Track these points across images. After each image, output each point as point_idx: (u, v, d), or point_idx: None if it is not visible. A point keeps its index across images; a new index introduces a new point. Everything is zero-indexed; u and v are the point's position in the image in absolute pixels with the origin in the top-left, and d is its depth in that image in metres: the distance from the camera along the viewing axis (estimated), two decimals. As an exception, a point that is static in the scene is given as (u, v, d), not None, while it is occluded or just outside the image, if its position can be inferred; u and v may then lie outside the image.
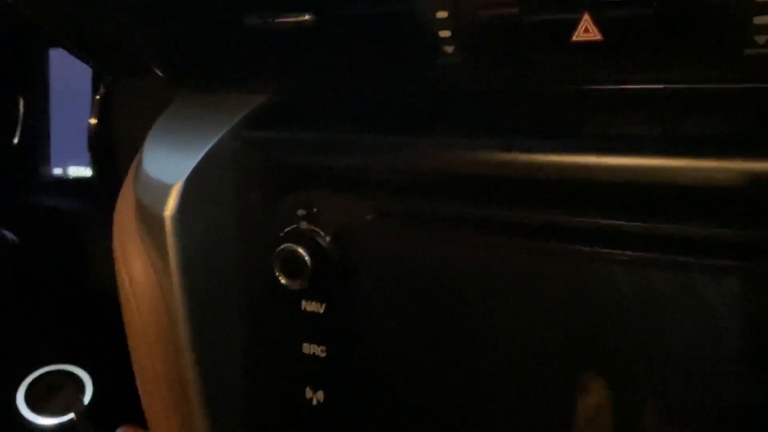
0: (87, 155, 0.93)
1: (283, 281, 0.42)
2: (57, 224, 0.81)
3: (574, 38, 0.34)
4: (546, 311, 0.37)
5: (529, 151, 0.35)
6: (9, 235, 0.74)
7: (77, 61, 0.98)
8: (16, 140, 1.02)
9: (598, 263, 0.35)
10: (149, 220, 0.42)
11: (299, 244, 0.41)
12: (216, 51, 0.47)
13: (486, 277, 0.39)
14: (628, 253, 0.34)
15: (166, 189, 0.42)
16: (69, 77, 1.01)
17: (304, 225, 0.42)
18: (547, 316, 0.37)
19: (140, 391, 0.45)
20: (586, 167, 0.34)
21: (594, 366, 0.36)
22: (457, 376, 0.40)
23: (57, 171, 1.01)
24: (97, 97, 0.92)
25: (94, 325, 0.74)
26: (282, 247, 0.42)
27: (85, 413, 0.70)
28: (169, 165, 0.43)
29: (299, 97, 0.46)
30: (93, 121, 0.92)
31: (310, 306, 0.44)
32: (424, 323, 0.41)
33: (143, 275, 0.42)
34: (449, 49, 0.38)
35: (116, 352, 0.52)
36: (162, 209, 0.41)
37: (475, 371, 0.40)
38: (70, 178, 0.98)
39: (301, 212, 0.43)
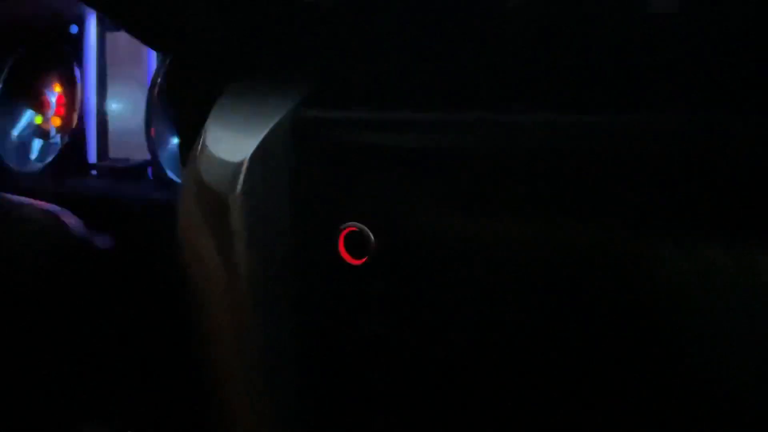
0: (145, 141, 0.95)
1: (346, 259, 0.42)
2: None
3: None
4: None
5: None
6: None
7: (136, 45, 0.99)
8: (74, 125, 1.05)
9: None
10: (214, 199, 0.42)
11: (362, 221, 0.41)
12: (274, 29, 0.47)
13: (557, 260, 0.37)
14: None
15: (230, 168, 0.42)
16: (127, 62, 1.03)
17: (367, 203, 0.42)
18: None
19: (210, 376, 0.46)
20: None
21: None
22: (527, 360, 0.40)
23: (115, 156, 1.03)
24: (154, 80, 0.93)
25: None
26: (346, 224, 0.41)
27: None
28: (232, 145, 0.43)
29: (357, 77, 0.46)
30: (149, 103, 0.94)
31: (373, 285, 0.43)
32: (490, 306, 0.40)
33: (208, 255, 0.42)
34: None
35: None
36: (227, 188, 0.41)
37: (543, 359, 0.39)
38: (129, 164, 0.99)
39: (364, 190, 0.42)
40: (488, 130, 0.39)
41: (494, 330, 0.40)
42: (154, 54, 0.99)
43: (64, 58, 1.08)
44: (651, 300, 0.34)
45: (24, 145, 1.15)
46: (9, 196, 0.70)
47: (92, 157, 1.05)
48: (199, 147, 0.44)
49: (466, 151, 0.40)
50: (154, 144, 0.94)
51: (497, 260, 0.39)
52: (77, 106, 1.06)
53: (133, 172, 0.97)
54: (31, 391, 0.70)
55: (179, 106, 0.58)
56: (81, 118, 1.06)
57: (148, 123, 0.94)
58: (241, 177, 0.41)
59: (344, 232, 0.42)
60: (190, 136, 0.49)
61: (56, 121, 1.11)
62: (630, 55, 0.37)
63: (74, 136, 1.06)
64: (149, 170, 0.95)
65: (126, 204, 0.81)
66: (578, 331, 0.37)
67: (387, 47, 0.45)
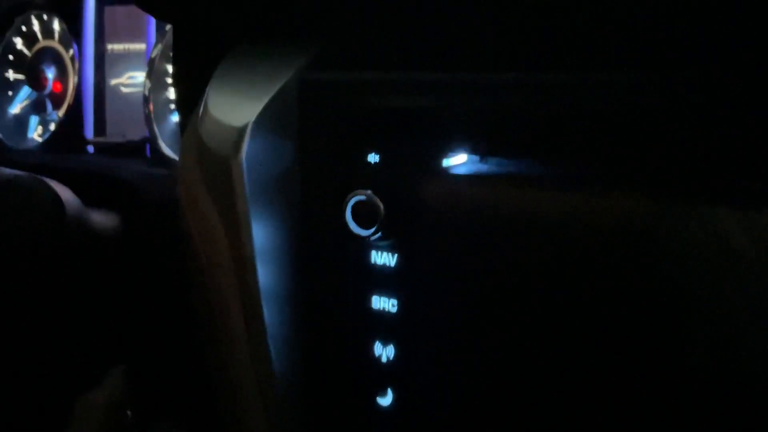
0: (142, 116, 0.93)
1: (353, 229, 0.40)
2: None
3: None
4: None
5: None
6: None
7: (134, 20, 0.97)
8: (71, 101, 1.03)
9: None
10: (215, 163, 0.40)
11: (372, 190, 0.39)
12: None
13: (575, 230, 0.36)
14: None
15: (233, 132, 0.40)
16: (125, 37, 1.01)
17: (376, 170, 0.40)
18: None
19: (205, 341, 0.44)
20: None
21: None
22: (541, 334, 0.38)
23: (113, 133, 1.01)
24: (152, 56, 0.91)
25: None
26: (354, 193, 0.39)
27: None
28: (234, 108, 0.41)
29: (364, 39, 0.44)
30: (147, 79, 0.92)
31: (381, 257, 0.42)
32: (502, 278, 0.38)
33: (209, 220, 0.40)
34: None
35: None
36: (229, 152, 0.39)
37: (560, 332, 0.37)
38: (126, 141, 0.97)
39: (373, 157, 0.40)
40: (499, 89, 0.37)
41: (507, 301, 0.38)
42: (153, 29, 0.97)
43: (62, 32, 1.06)
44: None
45: (20, 121, 1.13)
46: (3, 169, 0.68)
47: (89, 133, 1.03)
48: (200, 110, 0.42)
49: (478, 112, 0.38)
50: (152, 121, 0.92)
51: (509, 228, 0.37)
52: (74, 82, 1.04)
53: (130, 149, 0.95)
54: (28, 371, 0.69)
55: (179, 77, 0.56)
56: (78, 95, 1.04)
57: (146, 99, 0.92)
58: (245, 141, 0.39)
59: (352, 201, 0.40)
60: (190, 109, 0.48)
61: (53, 97, 1.09)
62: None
63: (71, 112, 1.04)
64: (147, 147, 0.93)
65: (123, 180, 0.79)
66: (598, 298, 0.36)
67: (392, 7, 0.43)
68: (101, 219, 0.70)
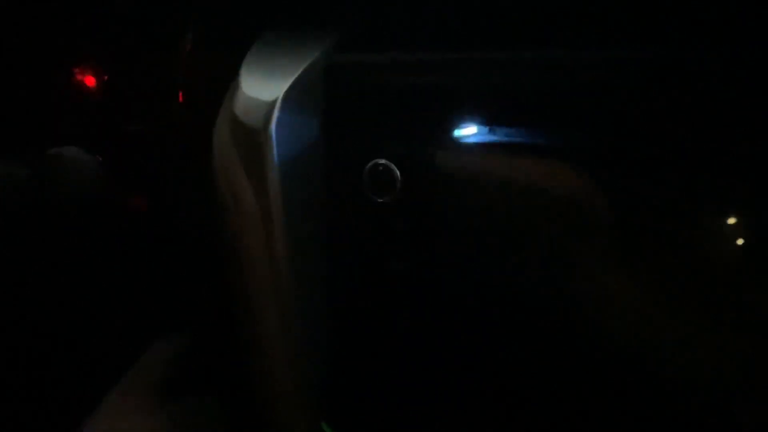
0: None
1: (372, 196, 0.44)
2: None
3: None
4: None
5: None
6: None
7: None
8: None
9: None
10: (248, 135, 0.44)
11: (389, 159, 0.43)
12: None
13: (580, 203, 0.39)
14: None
15: (263, 105, 0.44)
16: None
17: (394, 141, 0.44)
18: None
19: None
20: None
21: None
22: (544, 305, 0.41)
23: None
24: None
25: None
26: (373, 161, 0.43)
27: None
28: (265, 85, 0.45)
29: (383, 25, 0.48)
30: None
31: (398, 223, 0.45)
32: (515, 243, 0.42)
33: (242, 188, 0.45)
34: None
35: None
36: (260, 124, 0.43)
37: (565, 306, 0.40)
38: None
39: (391, 128, 0.44)
40: (517, 68, 0.41)
41: (521, 269, 0.42)
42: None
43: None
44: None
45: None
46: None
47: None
48: (234, 87, 0.47)
49: (491, 90, 0.41)
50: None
51: (523, 198, 0.41)
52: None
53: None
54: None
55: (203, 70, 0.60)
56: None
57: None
58: (274, 114, 0.43)
59: (370, 169, 0.43)
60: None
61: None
62: None
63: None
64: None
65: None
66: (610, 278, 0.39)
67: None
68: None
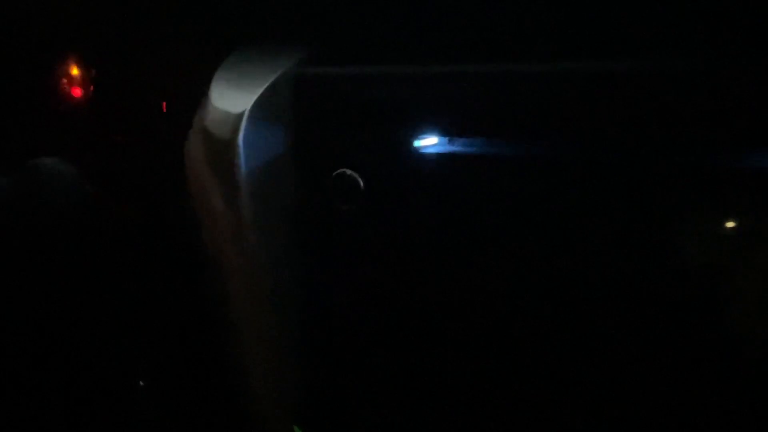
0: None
1: (337, 204, 0.46)
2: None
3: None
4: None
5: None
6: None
7: None
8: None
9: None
10: (217, 147, 0.46)
11: (353, 168, 0.45)
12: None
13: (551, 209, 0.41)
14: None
15: (232, 118, 0.45)
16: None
17: (357, 150, 0.45)
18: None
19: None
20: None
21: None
22: (511, 305, 0.43)
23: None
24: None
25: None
26: (338, 171, 0.45)
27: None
28: (234, 97, 0.47)
29: (347, 41, 0.50)
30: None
31: (363, 228, 0.47)
32: (476, 248, 0.43)
33: (212, 195, 0.46)
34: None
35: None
36: (229, 135, 0.45)
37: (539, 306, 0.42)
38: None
39: (354, 138, 0.46)
40: (475, 82, 0.42)
41: (485, 272, 0.44)
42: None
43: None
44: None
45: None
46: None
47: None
48: (205, 100, 0.48)
49: (451, 103, 0.43)
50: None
51: (479, 203, 0.43)
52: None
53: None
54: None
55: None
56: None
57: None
58: (242, 125, 0.45)
59: (335, 178, 0.45)
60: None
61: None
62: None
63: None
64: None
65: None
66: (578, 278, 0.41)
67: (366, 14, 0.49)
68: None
